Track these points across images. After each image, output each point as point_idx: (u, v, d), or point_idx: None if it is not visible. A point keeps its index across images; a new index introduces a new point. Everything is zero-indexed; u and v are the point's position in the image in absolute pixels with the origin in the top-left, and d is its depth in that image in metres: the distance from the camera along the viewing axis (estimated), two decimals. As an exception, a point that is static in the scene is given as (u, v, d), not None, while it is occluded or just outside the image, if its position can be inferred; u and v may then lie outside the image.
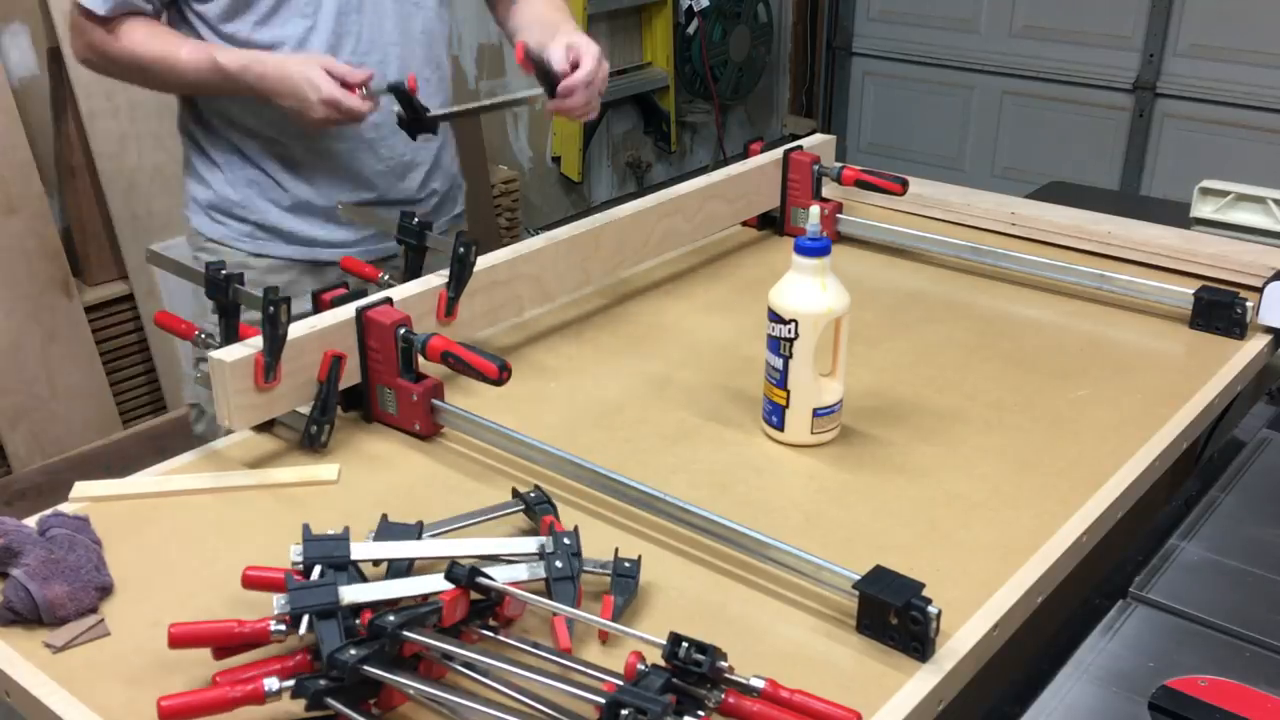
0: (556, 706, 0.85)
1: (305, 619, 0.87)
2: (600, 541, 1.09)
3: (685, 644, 0.83)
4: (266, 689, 0.83)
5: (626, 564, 1.01)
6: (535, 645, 0.92)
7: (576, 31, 1.61)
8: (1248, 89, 3.68)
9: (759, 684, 0.84)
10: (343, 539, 0.96)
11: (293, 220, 1.66)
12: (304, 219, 1.66)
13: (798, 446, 1.25)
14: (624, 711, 0.78)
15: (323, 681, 0.84)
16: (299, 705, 0.84)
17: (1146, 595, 1.05)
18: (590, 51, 1.53)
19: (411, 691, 0.87)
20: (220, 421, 1.20)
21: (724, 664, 0.84)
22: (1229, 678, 0.94)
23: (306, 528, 0.97)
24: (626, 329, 1.55)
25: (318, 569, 0.93)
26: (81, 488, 1.16)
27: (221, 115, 1.63)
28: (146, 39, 1.53)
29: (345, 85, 1.47)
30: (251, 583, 0.94)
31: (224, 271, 1.24)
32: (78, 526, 1.05)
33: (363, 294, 1.29)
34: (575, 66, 1.51)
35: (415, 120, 1.56)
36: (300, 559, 0.94)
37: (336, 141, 1.62)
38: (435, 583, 0.92)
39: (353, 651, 0.84)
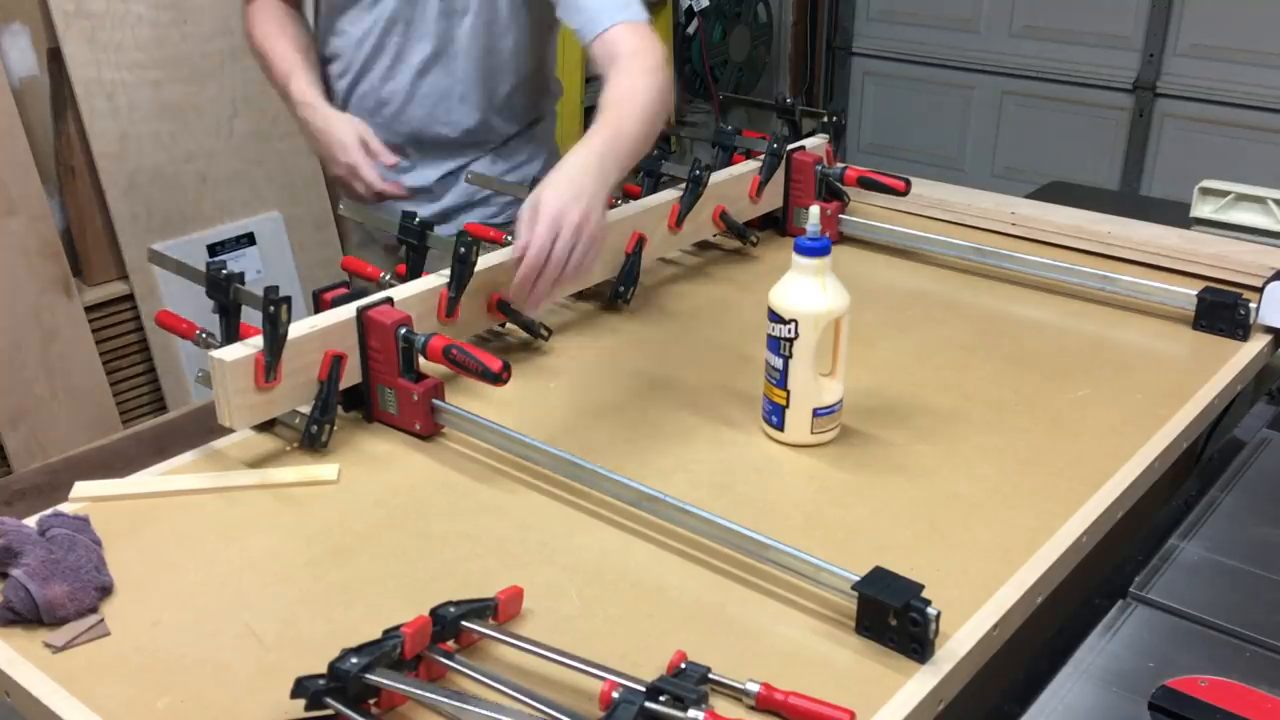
0: (557, 706, 0.85)
1: None
2: (600, 541, 1.09)
3: (664, 696, 0.82)
4: None
5: None
6: (535, 645, 0.92)
7: (573, 160, 1.32)
8: (1248, 89, 3.67)
9: (754, 688, 0.85)
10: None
11: None
12: None
13: (798, 446, 1.25)
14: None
15: (322, 681, 0.84)
16: (299, 705, 0.84)
17: (1146, 595, 1.05)
18: (543, 218, 1.24)
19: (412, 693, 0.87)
20: (221, 421, 1.20)
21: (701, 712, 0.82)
22: (1229, 678, 0.94)
23: None
24: (627, 328, 1.55)
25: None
26: (81, 488, 1.16)
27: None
28: (260, 24, 1.69)
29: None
30: None
31: (224, 271, 1.24)
32: (78, 526, 1.04)
33: (364, 294, 1.29)
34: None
35: None
36: None
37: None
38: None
39: (354, 660, 0.84)
